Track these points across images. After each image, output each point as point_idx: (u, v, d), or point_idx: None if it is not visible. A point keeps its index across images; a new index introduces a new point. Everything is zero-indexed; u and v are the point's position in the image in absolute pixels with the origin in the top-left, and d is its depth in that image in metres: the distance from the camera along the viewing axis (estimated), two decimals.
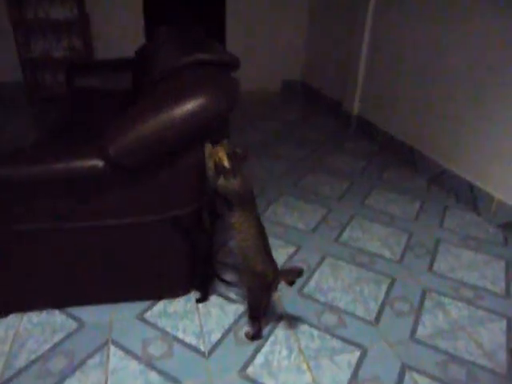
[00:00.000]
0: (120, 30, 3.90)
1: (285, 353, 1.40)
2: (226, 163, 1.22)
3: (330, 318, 1.55)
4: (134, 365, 1.34)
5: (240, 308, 1.58)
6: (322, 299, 1.64)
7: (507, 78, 2.05)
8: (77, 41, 3.89)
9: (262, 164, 2.80)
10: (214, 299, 1.61)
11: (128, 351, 1.38)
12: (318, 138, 3.33)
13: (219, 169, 1.25)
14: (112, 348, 1.39)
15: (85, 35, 3.76)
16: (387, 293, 1.68)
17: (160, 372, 1.31)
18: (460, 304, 1.62)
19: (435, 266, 1.84)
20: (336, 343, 1.45)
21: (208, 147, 1.28)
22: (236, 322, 1.52)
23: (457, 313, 1.58)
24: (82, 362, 1.34)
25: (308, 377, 1.32)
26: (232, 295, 1.64)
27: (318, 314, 1.57)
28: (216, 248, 1.86)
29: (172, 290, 1.61)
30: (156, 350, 1.39)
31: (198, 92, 1.24)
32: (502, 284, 1.74)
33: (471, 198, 2.31)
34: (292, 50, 4.46)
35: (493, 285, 1.73)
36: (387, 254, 1.92)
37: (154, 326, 1.49)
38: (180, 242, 1.48)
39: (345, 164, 2.86)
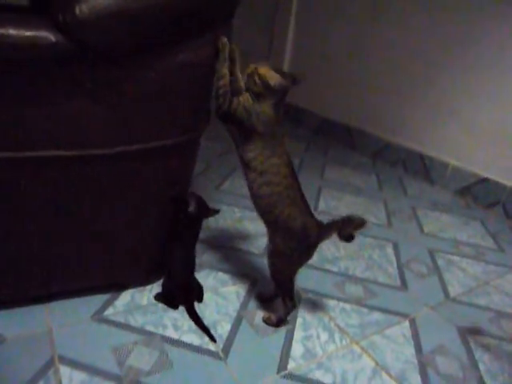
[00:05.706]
0: None
1: (325, 336, 1.02)
2: (274, 81, 0.88)
3: (354, 289, 1.22)
4: None
5: (240, 289, 1.14)
6: (335, 269, 1.31)
7: (449, 39, 2.07)
8: None
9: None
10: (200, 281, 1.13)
11: (93, 370, 0.82)
12: None
13: (257, 87, 0.89)
14: (63, 369, 0.81)
15: None
16: (397, 256, 1.44)
17: None
18: (468, 260, 1.48)
19: (425, 229, 1.68)
20: (377, 316, 1.12)
21: (251, 67, 0.91)
22: (243, 306, 1.07)
23: (474, 269, 1.43)
24: None
25: (368, 360, 0.96)
26: (222, 275, 1.19)
27: (338, 285, 1.23)
28: None
29: (142, 275, 1.08)
30: (141, 360, 0.86)
31: None
32: (490, 239, 1.67)
33: (421, 167, 2.27)
34: None
35: (484, 240, 1.65)
36: (373, 219, 1.70)
37: (126, 326, 0.95)
38: (160, 198, 0.99)
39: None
